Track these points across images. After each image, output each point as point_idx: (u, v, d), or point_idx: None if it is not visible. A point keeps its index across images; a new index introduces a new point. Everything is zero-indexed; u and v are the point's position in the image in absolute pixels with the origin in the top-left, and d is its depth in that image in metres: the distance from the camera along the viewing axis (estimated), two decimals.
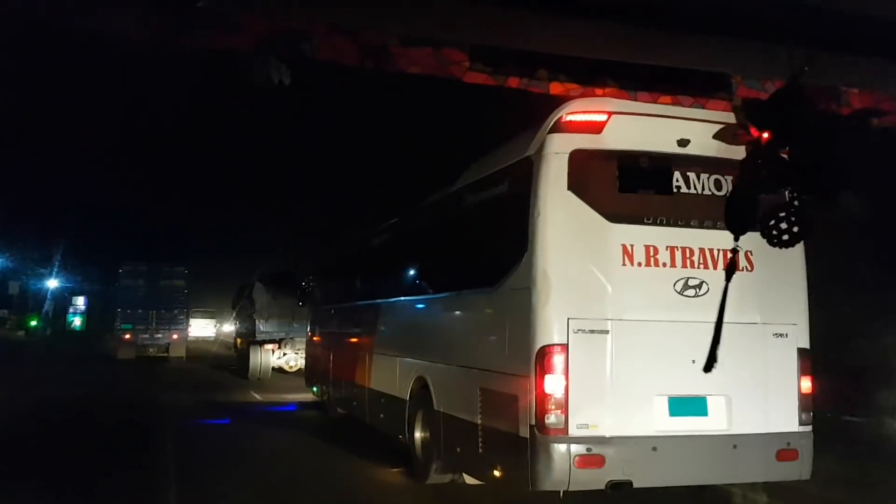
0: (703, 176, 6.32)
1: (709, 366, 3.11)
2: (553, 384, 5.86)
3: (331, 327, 14.00)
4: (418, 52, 3.09)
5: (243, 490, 8.05)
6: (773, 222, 2.65)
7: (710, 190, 6.35)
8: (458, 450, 7.45)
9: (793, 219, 2.64)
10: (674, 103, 3.54)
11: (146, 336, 28.11)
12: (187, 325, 31.11)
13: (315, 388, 14.99)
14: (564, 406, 5.84)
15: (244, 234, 45.74)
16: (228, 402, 16.69)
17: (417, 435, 8.59)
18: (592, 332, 5.94)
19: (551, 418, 5.84)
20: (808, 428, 6.42)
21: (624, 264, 6.06)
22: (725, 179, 6.31)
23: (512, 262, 6.39)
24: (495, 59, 3.15)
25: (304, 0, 2.86)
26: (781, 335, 6.40)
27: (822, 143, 2.61)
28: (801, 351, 6.46)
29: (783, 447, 6.27)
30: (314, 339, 15.60)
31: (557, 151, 6.09)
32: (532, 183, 6.16)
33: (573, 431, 5.83)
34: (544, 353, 5.90)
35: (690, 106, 3.68)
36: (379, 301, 10.66)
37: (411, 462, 8.74)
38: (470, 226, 7.67)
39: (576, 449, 5.81)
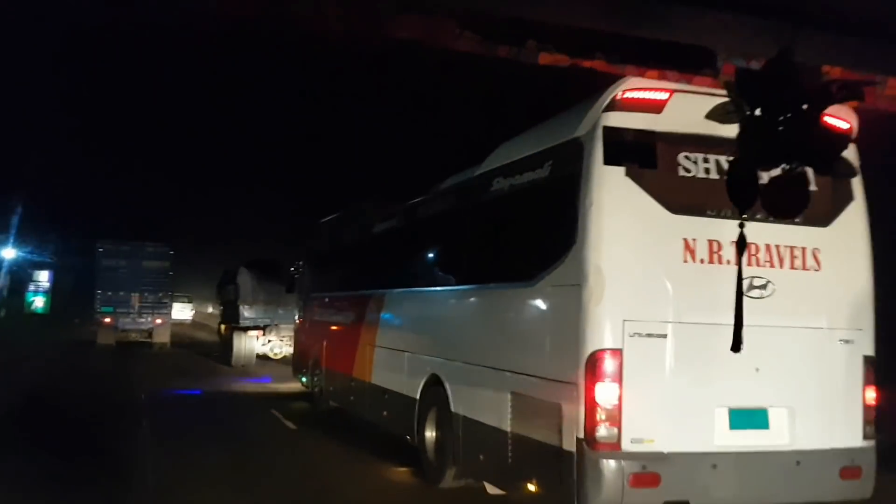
0: None
1: (736, 346, 2.75)
2: (605, 393, 5.25)
3: (326, 315, 13.24)
4: (408, 18, 2.71)
5: (237, 493, 7.42)
6: (773, 194, 2.65)
7: None
8: (481, 457, 6.83)
9: (792, 190, 2.63)
10: (660, 77, 3.41)
11: (128, 320, 26.42)
12: (171, 309, 29.50)
13: (304, 379, 14.30)
14: (617, 418, 5.23)
15: (224, 219, 44.43)
16: (213, 390, 15.99)
17: (429, 435, 8.01)
18: (650, 335, 5.32)
19: (602, 431, 5.23)
20: (872, 443, 5.89)
21: (685, 261, 5.44)
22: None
23: (556, 256, 5.75)
24: (485, 27, 2.81)
25: None
26: (847, 341, 5.84)
27: (815, 114, 2.58)
28: (866, 359, 5.91)
29: (847, 464, 5.73)
30: (305, 326, 14.86)
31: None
32: (583, 167, 5.51)
33: (627, 446, 5.23)
34: (596, 358, 5.27)
35: (676, 81, 3.57)
36: (386, 290, 9.95)
37: (421, 464, 8.14)
38: (502, 212, 6.98)
39: (629, 466, 5.21)
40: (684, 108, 5.49)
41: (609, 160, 5.40)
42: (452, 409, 7.34)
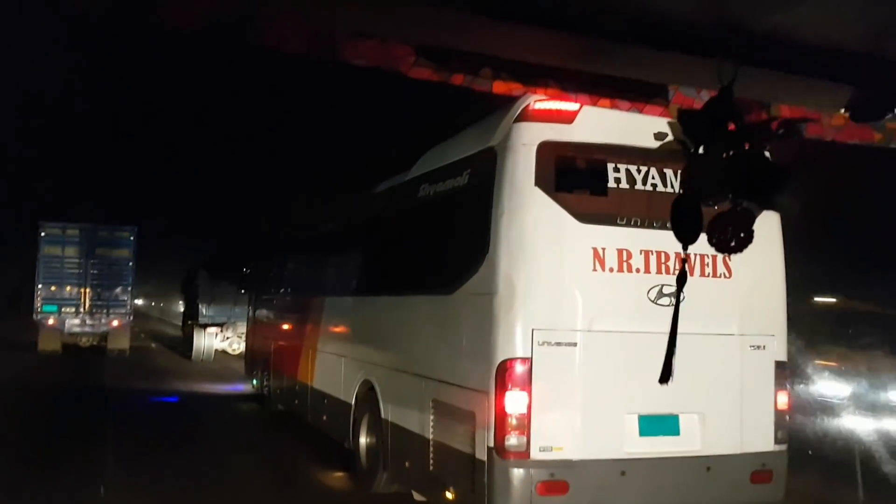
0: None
1: (665, 377, 2.91)
2: (514, 402, 5.28)
3: (273, 317, 13.22)
4: (364, 45, 2.82)
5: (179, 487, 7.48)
6: (718, 230, 2.69)
7: None
8: (407, 464, 6.85)
9: (738, 225, 2.67)
10: (612, 107, 3.56)
11: (76, 322, 21.76)
12: (132, 307, 23.70)
13: (255, 381, 14.26)
14: (526, 427, 5.27)
15: (190, 211, 43.50)
16: (166, 389, 15.84)
17: (362, 441, 8.03)
18: (559, 344, 5.36)
19: (511, 440, 5.26)
20: (783, 447, 5.99)
21: (595, 269, 5.49)
22: None
23: (471, 265, 5.77)
24: (440, 55, 2.95)
25: None
26: (759, 347, 5.93)
27: (757, 150, 2.68)
28: (778, 364, 6.00)
29: (758, 468, 5.82)
30: (255, 327, 14.82)
31: (525, 142, 5.47)
32: (495, 177, 5.54)
33: (535, 455, 5.27)
34: (505, 367, 5.31)
35: (628, 110, 3.76)
36: (325, 295, 9.92)
37: (356, 469, 8.16)
38: (424, 221, 6.99)
39: (537, 474, 5.25)
40: (594, 119, 5.53)
41: (519, 171, 5.42)
42: (382, 415, 7.35)
